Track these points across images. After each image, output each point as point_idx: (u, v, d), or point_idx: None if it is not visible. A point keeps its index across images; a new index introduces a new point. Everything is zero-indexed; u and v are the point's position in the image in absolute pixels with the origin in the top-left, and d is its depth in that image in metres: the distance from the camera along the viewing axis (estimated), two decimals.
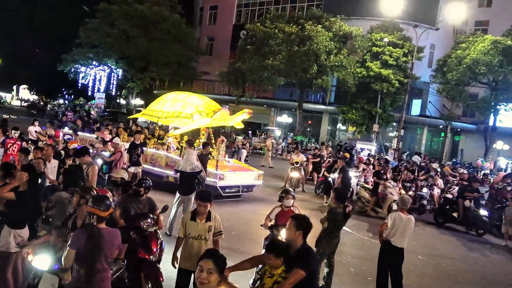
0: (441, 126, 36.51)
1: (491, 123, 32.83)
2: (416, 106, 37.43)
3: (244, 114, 14.30)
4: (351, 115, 33.15)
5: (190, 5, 49.14)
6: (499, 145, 33.31)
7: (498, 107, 31.48)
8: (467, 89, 32.16)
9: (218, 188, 13.67)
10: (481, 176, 20.46)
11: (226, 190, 14.21)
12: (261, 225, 7.34)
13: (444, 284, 9.38)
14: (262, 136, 34.37)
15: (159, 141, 16.31)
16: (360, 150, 28.37)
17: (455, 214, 15.22)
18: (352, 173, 17.28)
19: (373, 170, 17.46)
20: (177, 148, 15.45)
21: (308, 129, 41.57)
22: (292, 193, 7.43)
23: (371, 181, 16.12)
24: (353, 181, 16.69)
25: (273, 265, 4.46)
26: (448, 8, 32.26)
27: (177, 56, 40.27)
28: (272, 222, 7.20)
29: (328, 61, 30.35)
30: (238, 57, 35.38)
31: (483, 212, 14.89)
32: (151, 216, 6.38)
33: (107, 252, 4.47)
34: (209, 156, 13.47)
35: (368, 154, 25.17)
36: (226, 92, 41.37)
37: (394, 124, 34.43)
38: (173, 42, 40.59)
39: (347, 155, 19.09)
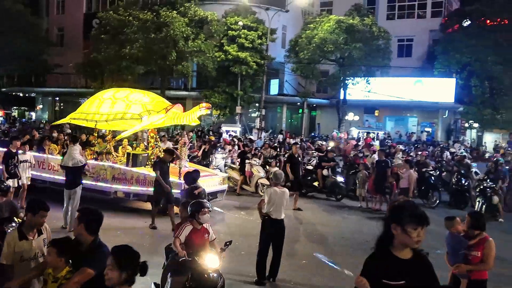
0: (298, 103, 38.63)
1: (341, 97, 35.50)
2: (274, 86, 39.15)
3: (202, 109, 12.46)
4: (214, 99, 33.65)
5: None
6: (350, 116, 36.31)
7: (346, 81, 34.08)
8: (318, 67, 34.41)
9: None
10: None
11: None
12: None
13: (311, 247, 10.22)
14: None
15: (94, 148, 14.06)
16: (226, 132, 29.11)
17: (316, 184, 16.50)
18: (219, 155, 17.84)
19: (239, 150, 18.14)
20: (123, 155, 13.63)
21: None
22: (207, 205, 6.06)
23: (237, 161, 16.75)
24: (221, 162, 17.21)
25: (53, 264, 4.10)
26: None
27: (23, 49, 37.37)
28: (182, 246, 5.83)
29: (186, 47, 30.41)
30: (93, 47, 33.90)
31: (339, 179, 16.36)
32: (15, 219, 6.12)
33: None
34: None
35: (229, 135, 25.92)
36: (84, 84, 39.57)
37: (256, 104, 35.74)
38: (18, 34, 37.59)
39: (212, 138, 19.59)
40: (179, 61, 31.04)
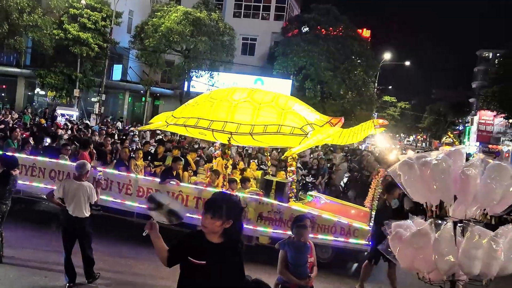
0: (141, 91, 38.03)
1: (185, 88, 35.77)
2: (117, 71, 37.98)
3: (377, 127, 9.07)
4: (49, 79, 31.56)
5: None
6: None
7: (191, 73, 34.44)
8: (163, 56, 34.17)
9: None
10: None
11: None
12: None
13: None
14: None
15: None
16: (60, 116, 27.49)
17: None
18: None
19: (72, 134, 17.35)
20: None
21: (3, 94, 37.97)
22: None
23: None
24: None
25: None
26: None
27: None
28: None
29: (20, 20, 28.05)
30: None
31: None
32: None
33: None
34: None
35: (66, 119, 24.60)
36: None
37: (96, 89, 34.34)
38: None
39: (43, 121, 18.49)
40: (11, 35, 28.53)
